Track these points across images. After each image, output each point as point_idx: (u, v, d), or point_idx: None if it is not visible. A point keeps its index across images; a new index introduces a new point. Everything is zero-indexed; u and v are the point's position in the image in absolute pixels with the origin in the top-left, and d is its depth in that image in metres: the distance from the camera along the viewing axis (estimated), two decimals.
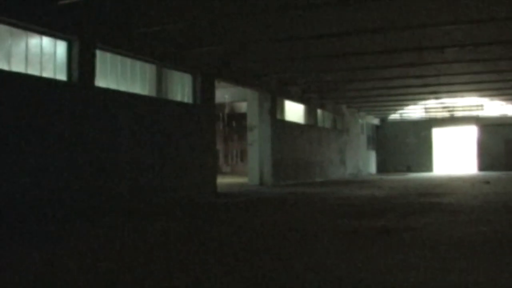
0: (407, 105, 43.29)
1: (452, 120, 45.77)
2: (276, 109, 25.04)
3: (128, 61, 15.66)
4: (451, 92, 34.21)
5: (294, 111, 28.46)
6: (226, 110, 45.38)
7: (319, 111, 31.23)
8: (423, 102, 43.34)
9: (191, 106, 18.11)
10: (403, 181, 26.08)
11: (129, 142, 14.64)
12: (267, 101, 24.15)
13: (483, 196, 15.20)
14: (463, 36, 18.66)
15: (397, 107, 43.80)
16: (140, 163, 15.03)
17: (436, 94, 33.67)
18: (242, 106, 42.90)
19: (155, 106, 16.10)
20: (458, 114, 45.24)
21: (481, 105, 43.74)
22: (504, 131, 43.77)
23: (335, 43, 20.09)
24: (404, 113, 46.82)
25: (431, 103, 44.26)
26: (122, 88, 15.07)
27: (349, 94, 31.83)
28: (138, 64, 16.07)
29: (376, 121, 45.98)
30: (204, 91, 18.68)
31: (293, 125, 27.26)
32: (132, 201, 14.33)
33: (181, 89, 18.33)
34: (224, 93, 33.03)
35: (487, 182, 23.13)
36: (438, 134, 47.24)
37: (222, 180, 29.74)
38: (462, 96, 39.29)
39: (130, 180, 14.59)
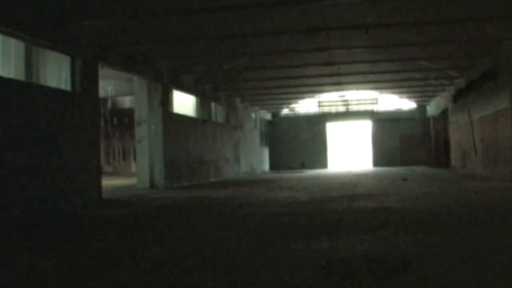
0: (301, 98, 41.39)
1: (346, 115, 44.47)
2: (168, 101, 22.02)
3: None
4: (347, 84, 32.40)
5: (186, 104, 25.55)
6: (108, 105, 41.70)
7: (212, 105, 28.42)
8: (317, 96, 41.64)
9: (70, 94, 14.79)
10: (309, 180, 23.80)
11: None
12: (157, 91, 21.07)
13: (426, 197, 12.94)
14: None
15: (290, 101, 41.83)
16: (2, 165, 11.55)
17: (336, 85, 31.73)
18: (125, 101, 39.50)
19: (23, 92, 12.65)
20: (353, 108, 43.94)
21: (376, 99, 42.68)
22: (399, 126, 42.96)
23: (233, 26, 17.73)
24: (297, 107, 44.97)
25: (325, 97, 42.71)
26: None
27: (243, 86, 29.37)
28: (0, 37, 12.70)
29: (268, 116, 43.79)
30: (86, 78, 15.41)
31: (187, 120, 24.31)
32: None
33: (57, 73, 15.00)
34: (106, 86, 29.71)
35: (405, 179, 21.27)
36: (332, 129, 45.78)
37: (105, 182, 26.29)
38: (357, 89, 37.77)
39: None
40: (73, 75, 14.95)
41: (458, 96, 27.66)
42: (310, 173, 33.89)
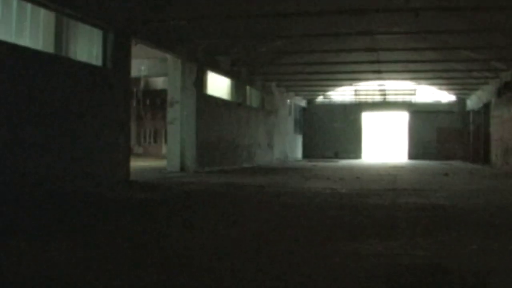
0: (338, 86, 40.25)
1: (383, 105, 43.23)
2: (202, 82, 21.22)
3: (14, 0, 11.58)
4: (386, 73, 31.27)
5: (221, 86, 24.75)
6: (141, 86, 41.16)
7: (247, 88, 27.55)
8: (354, 84, 40.50)
9: (101, 70, 14.06)
10: (345, 170, 22.84)
11: (5, 111, 10.47)
12: (192, 72, 20.27)
13: (476, 195, 11.92)
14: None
15: (326, 88, 40.69)
16: (23, 142, 10.84)
17: (375, 73, 30.61)
18: (158, 82, 38.90)
19: (50, 65, 11.93)
20: (390, 98, 42.72)
21: (414, 90, 41.42)
22: (437, 119, 41.57)
23: (273, 4, 16.89)
24: (332, 95, 43.87)
25: (362, 86, 41.57)
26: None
27: (280, 70, 28.49)
28: (29, 6, 11.97)
29: (303, 103, 42.78)
30: (118, 53, 14.65)
31: (221, 102, 23.49)
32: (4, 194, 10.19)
33: (88, 47, 14.28)
34: (139, 65, 29.06)
35: (446, 174, 20.22)
36: (367, 119, 44.63)
37: (135, 164, 25.60)
38: (396, 78, 36.55)
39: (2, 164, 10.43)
40: (104, 49, 14.20)
41: (503, 90, 26.46)
42: (344, 163, 32.90)
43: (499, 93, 27.51)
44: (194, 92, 20.22)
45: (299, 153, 41.51)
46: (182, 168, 20.03)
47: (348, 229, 7.03)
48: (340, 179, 16.72)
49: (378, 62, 25.73)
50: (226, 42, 20.84)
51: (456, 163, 33.73)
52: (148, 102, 46.16)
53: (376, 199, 10.82)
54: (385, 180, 16.78)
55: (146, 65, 28.73)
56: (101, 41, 14.14)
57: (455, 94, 40.61)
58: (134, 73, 29.94)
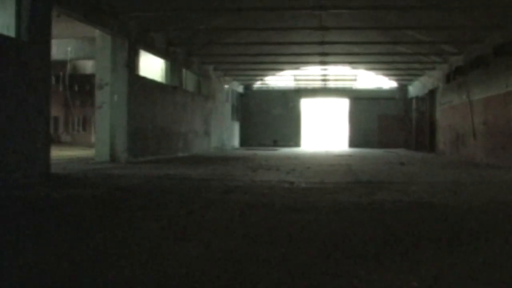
0: (279, 70, 38.38)
1: (323, 91, 41.77)
2: (135, 62, 19.03)
3: None
4: (331, 55, 29.63)
5: (155, 68, 22.61)
6: (68, 70, 38.45)
7: (184, 71, 25.39)
8: (295, 69, 38.79)
9: (13, 42, 11.77)
10: (290, 160, 21.07)
11: None
12: (123, 50, 18.05)
13: (457, 189, 10.21)
14: None
15: (266, 73, 38.85)
16: None
17: (321, 56, 28.91)
18: (87, 66, 36.34)
19: None
20: (331, 85, 41.28)
21: (355, 76, 40.12)
22: (378, 106, 40.54)
23: None
24: (271, 81, 42.12)
25: (302, 72, 39.90)
26: None
27: (218, 51, 26.48)
28: None
29: (240, 88, 40.87)
30: (36, 22, 12.35)
31: (155, 85, 21.30)
32: None
33: None
34: (65, 46, 26.63)
35: (403, 164, 18.73)
36: (307, 106, 43.11)
37: (61, 153, 23.48)
38: (339, 63, 34.97)
39: None
40: (18, 17, 11.89)
41: (453, 75, 25.27)
42: (285, 151, 31.18)
43: (448, 78, 26.35)
44: (126, 73, 18.05)
45: (236, 141, 39.65)
46: (113, 158, 17.88)
47: (342, 244, 5.15)
48: (292, 170, 14.91)
49: (322, 43, 24.02)
50: (161, 16, 18.69)
51: (400, 151, 32.53)
52: (76, 87, 43.51)
53: (348, 195, 9.03)
54: (341, 171, 15.08)
55: (73, 46, 26.40)
56: (14, 5, 11.83)
57: (397, 80, 39.58)
58: (60, 55, 27.58)
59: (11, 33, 11.77)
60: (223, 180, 11.62)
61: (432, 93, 31.69)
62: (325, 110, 45.22)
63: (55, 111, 50.29)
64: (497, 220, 6.73)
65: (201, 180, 11.70)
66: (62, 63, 32.88)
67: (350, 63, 33.88)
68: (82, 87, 41.97)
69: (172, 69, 23.49)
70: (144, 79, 20.00)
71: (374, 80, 40.78)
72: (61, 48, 26.68)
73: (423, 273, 4.04)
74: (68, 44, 26.29)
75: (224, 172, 13.94)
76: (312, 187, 10.30)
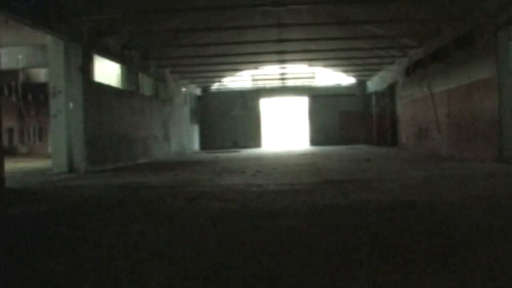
0: (237, 70, 37.89)
1: (282, 90, 41.42)
2: (89, 68, 18.36)
3: None
4: (288, 53, 29.25)
5: (110, 73, 21.93)
6: (21, 79, 37.39)
7: (140, 75, 24.72)
8: (253, 69, 38.39)
9: None
10: (254, 161, 20.61)
11: None
12: (77, 55, 17.38)
13: (431, 184, 9.92)
14: None
15: (223, 74, 38.33)
16: None
17: (278, 54, 28.55)
18: (41, 74, 35.36)
19: None
20: (289, 83, 40.97)
21: (313, 74, 39.90)
22: (338, 103, 40.42)
23: None
24: (229, 82, 41.61)
25: (260, 71, 39.52)
26: None
27: (175, 53, 25.93)
28: None
29: (198, 91, 40.25)
30: None
31: (111, 90, 20.62)
32: None
33: None
34: (16, 54, 25.80)
35: (369, 160, 18.46)
36: (266, 106, 42.73)
37: (17, 165, 22.69)
38: (296, 61, 34.67)
39: None
40: None
41: (413, 68, 25.17)
42: (247, 153, 30.72)
43: (408, 72, 26.24)
44: (80, 80, 17.38)
45: (196, 145, 39.06)
46: (71, 169, 17.21)
47: (334, 257, 4.70)
48: (257, 172, 14.48)
49: (280, 41, 23.65)
50: (115, 19, 18.09)
51: (362, 147, 32.41)
52: (30, 97, 42.46)
53: (322, 196, 8.61)
54: (308, 171, 14.68)
55: (25, 54, 25.61)
56: None
57: (355, 76, 39.51)
58: (11, 64, 26.72)
59: None
60: (188, 186, 11.11)
61: (391, 87, 31.65)
62: (284, 109, 44.86)
63: (9, 122, 49.10)
64: (484, 217, 6.38)
65: (164, 187, 11.15)
66: (14, 72, 31.95)
67: (308, 60, 33.61)
68: (37, 96, 41.01)
69: (128, 74, 22.85)
70: (100, 85, 19.34)
71: (333, 77, 40.63)
72: (12, 56, 25.86)
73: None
74: (20, 52, 25.51)
75: (188, 178, 13.41)
76: (282, 189, 9.87)
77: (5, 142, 48.83)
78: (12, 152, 47.58)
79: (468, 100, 18.05)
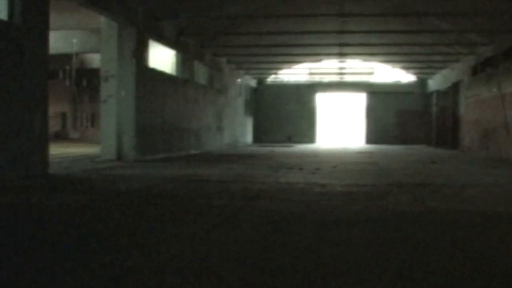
0: (294, 63, 36.81)
1: (339, 85, 40.17)
2: (143, 52, 17.57)
3: None
4: (349, 46, 27.92)
5: (165, 60, 21.16)
6: (75, 64, 37.11)
7: (195, 63, 23.88)
8: (311, 62, 37.25)
9: (6, 25, 10.38)
10: (311, 157, 19.59)
11: None
12: (131, 39, 16.62)
13: None
14: None
15: (281, 66, 37.27)
16: None
17: (339, 47, 27.33)
18: (95, 60, 34.87)
19: None
20: (347, 78, 39.69)
21: (372, 69, 38.53)
22: (396, 101, 38.89)
23: None
24: (285, 75, 40.55)
25: (317, 65, 38.33)
26: None
27: (232, 42, 25.02)
28: None
29: (253, 83, 39.30)
30: (31, 5, 10.95)
31: (165, 78, 19.84)
32: None
33: None
34: (70, 38, 25.25)
35: (434, 162, 17.22)
36: (322, 101, 41.50)
37: (67, 150, 22.19)
38: (357, 55, 33.30)
39: None
40: None
41: (481, 67, 23.73)
42: (301, 148, 29.67)
43: (475, 70, 24.79)
44: (134, 64, 16.62)
45: (249, 137, 38.15)
46: (119, 156, 16.46)
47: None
48: (317, 169, 13.44)
49: (341, 32, 22.55)
50: (172, 2, 17.26)
51: (422, 148, 31.02)
52: (84, 82, 42.29)
53: (394, 202, 7.55)
54: (372, 171, 13.61)
55: (79, 38, 25.05)
56: None
57: (416, 73, 37.99)
58: (65, 48, 26.21)
59: (3, 15, 10.36)
60: (244, 182, 10.14)
61: (455, 86, 30.10)
62: (341, 105, 43.60)
63: (63, 107, 49.13)
64: None
65: (218, 182, 10.22)
66: (68, 57, 31.60)
67: (368, 54, 32.19)
68: (91, 82, 40.81)
69: (183, 61, 22.05)
70: (154, 71, 18.56)
71: (392, 73, 39.19)
72: (66, 40, 25.37)
73: None
74: (74, 36, 24.99)
75: (243, 173, 12.47)
76: (349, 191, 8.83)
77: (58, 126, 48.95)
78: (64, 137, 47.61)
79: None
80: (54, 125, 49.20)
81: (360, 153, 23.68)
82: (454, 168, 14.95)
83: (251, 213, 6.55)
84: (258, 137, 39.56)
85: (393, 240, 5.07)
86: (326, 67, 38.42)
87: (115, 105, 16.43)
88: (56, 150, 22.87)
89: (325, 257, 4.35)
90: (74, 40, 25.25)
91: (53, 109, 49.12)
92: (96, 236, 5.18)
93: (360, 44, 26.60)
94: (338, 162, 16.54)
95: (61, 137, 47.62)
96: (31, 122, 10.86)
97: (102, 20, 16.32)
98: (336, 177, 11.48)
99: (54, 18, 19.75)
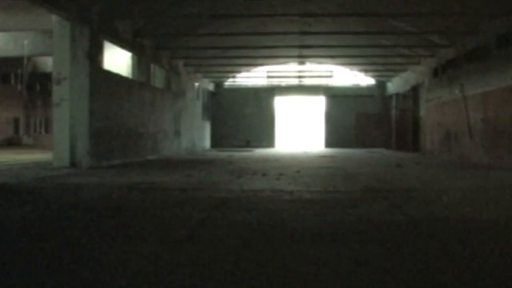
0: (253, 65, 36.31)
1: (298, 89, 39.79)
2: (98, 54, 16.77)
3: None
4: (308, 48, 27.35)
5: (120, 62, 20.41)
6: (27, 67, 36.05)
7: (152, 65, 23.08)
8: (269, 65, 36.79)
9: None
10: (271, 162, 19.01)
11: None
12: (84, 38, 15.81)
13: (496, 196, 8.31)
14: None
15: (239, 69, 36.69)
16: None
17: (298, 48, 26.81)
18: (48, 63, 33.86)
19: None
20: (306, 82, 39.31)
21: (331, 72, 38.23)
22: (356, 104, 38.68)
23: None
24: (243, 78, 39.95)
25: (276, 68, 37.87)
26: None
27: (189, 44, 24.35)
28: None
29: (211, 86, 38.60)
30: None
31: (121, 80, 19.04)
32: None
33: None
34: (21, 39, 24.34)
35: (399, 166, 16.80)
36: (281, 105, 41.03)
37: (18, 157, 21.28)
38: (316, 57, 32.81)
39: None
40: None
41: (442, 69, 23.52)
42: (261, 152, 29.11)
43: (436, 73, 24.59)
44: (87, 65, 15.83)
45: (207, 142, 37.46)
46: (73, 163, 15.63)
47: None
48: (281, 175, 12.86)
49: (302, 33, 22.07)
50: (128, 1, 16.54)
51: (382, 151, 30.77)
52: (38, 86, 41.17)
53: (371, 210, 7.01)
54: (338, 175, 13.09)
55: (31, 40, 24.14)
56: None
57: (375, 76, 37.88)
58: (16, 50, 25.24)
59: None
60: (206, 190, 9.48)
61: (415, 89, 29.94)
62: (299, 109, 43.20)
63: (15, 112, 47.78)
64: None
65: (178, 190, 9.53)
66: (19, 60, 30.60)
67: (328, 57, 31.76)
68: (44, 86, 39.69)
69: (139, 63, 21.29)
70: (109, 73, 17.79)
71: (351, 77, 39.00)
72: (17, 42, 24.46)
73: None
74: (25, 37, 24.07)
75: (204, 179, 11.81)
76: (319, 198, 8.27)
77: (10, 132, 47.61)
78: (17, 143, 46.37)
79: (509, 104, 16.39)
80: (6, 131, 47.87)
81: (322, 157, 23.24)
82: (421, 171, 14.55)
83: (216, 226, 5.91)
84: (216, 142, 38.92)
85: (381, 255, 4.50)
86: (285, 70, 38.00)
87: (68, 109, 15.61)
88: (6, 157, 21.92)
89: (306, 276, 3.75)
90: (26, 42, 24.36)
91: (5, 115, 47.85)
92: (37, 254, 4.49)
93: (321, 46, 26.13)
94: (301, 167, 15.99)
95: (14, 143, 46.36)
96: None
97: (53, 18, 15.48)
98: (302, 182, 10.91)
99: (3, 18, 18.89)
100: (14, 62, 32.01)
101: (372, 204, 7.64)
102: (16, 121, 49.67)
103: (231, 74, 38.32)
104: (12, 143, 46.30)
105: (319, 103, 40.16)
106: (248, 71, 38.30)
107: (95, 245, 4.91)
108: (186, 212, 6.86)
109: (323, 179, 11.84)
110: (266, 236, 5.32)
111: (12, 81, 38.37)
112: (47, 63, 34.73)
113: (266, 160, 20.56)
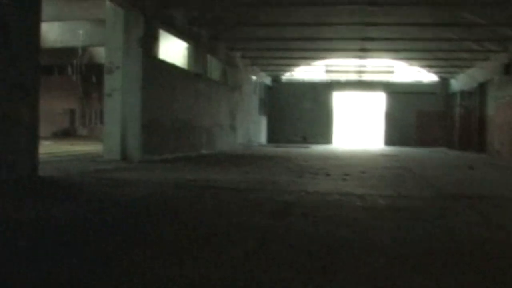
0: (313, 59, 35.19)
1: (357, 84, 38.45)
2: (151, 42, 15.95)
3: None
4: (371, 41, 25.98)
5: (175, 52, 19.62)
6: (83, 58, 35.64)
7: (208, 57, 22.22)
8: (329, 58, 35.57)
9: None
10: (331, 160, 17.95)
11: None
12: (138, 26, 15.01)
13: None
14: None
15: (296, 63, 35.67)
16: None
17: (360, 41, 25.53)
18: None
19: None
20: (365, 77, 37.96)
21: (392, 68, 36.79)
22: (417, 101, 37.10)
23: None
24: (301, 72, 38.85)
25: (334, 62, 36.64)
26: None
27: (247, 35, 23.35)
28: None
29: (268, 80, 37.64)
30: None
31: (175, 71, 18.23)
32: None
33: None
34: (76, 28, 23.74)
35: (471, 168, 15.52)
36: (339, 101, 39.80)
37: (71, 148, 20.78)
38: (379, 51, 31.41)
39: None
40: None
41: None
42: (318, 149, 27.99)
43: (508, 69, 23.01)
44: (140, 54, 15.02)
45: (263, 137, 36.52)
46: (124, 156, 14.85)
47: None
48: (346, 175, 11.77)
49: (365, 24, 20.87)
50: None
51: (446, 151, 29.29)
52: (94, 78, 40.92)
53: (461, 221, 5.90)
54: (408, 178, 11.95)
55: (86, 30, 23.53)
56: None
57: (438, 73, 36.20)
58: (71, 40, 24.73)
59: None
60: (266, 191, 8.49)
61: (482, 86, 28.33)
62: (358, 105, 41.93)
63: (71, 103, 47.88)
64: None
65: (235, 191, 8.56)
66: (76, 51, 30.20)
67: (392, 51, 30.33)
68: (100, 77, 39.36)
69: (195, 54, 20.44)
70: (163, 63, 16.98)
71: (413, 73, 37.45)
72: (74, 32, 23.89)
73: None
74: (80, 27, 23.47)
75: (262, 178, 10.82)
76: (395, 206, 7.18)
77: (66, 123, 47.73)
78: (73, 134, 46.50)
79: None
80: (62, 122, 48.05)
81: (384, 156, 21.99)
82: (497, 175, 13.26)
83: (283, 240, 4.90)
84: (272, 137, 37.95)
85: None
86: (344, 65, 36.74)
87: (119, 100, 14.86)
88: (59, 148, 21.48)
89: None
90: (81, 32, 23.79)
91: (62, 106, 48.02)
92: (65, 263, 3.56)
93: (384, 39, 24.79)
94: (365, 167, 14.85)
95: (70, 134, 46.56)
96: (18, 114, 9.27)
97: (106, 4, 14.73)
98: (371, 185, 9.81)
99: (59, 7, 18.32)
100: (71, 53, 31.65)
101: (460, 215, 6.52)
102: (72, 112, 49.83)
103: (289, 68, 37.29)
104: (68, 133, 46.51)
105: (379, 99, 38.79)
106: (307, 64, 37.15)
107: (131, 262, 3.95)
108: (244, 220, 5.85)
109: (393, 182, 10.72)
110: (349, 260, 4.25)
111: (69, 72, 38.16)
112: (103, 54, 34.34)
113: (325, 157, 19.47)
